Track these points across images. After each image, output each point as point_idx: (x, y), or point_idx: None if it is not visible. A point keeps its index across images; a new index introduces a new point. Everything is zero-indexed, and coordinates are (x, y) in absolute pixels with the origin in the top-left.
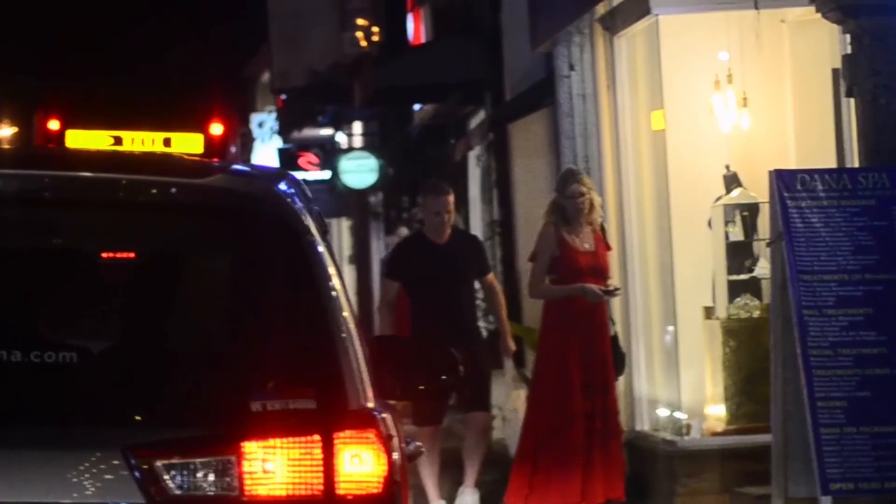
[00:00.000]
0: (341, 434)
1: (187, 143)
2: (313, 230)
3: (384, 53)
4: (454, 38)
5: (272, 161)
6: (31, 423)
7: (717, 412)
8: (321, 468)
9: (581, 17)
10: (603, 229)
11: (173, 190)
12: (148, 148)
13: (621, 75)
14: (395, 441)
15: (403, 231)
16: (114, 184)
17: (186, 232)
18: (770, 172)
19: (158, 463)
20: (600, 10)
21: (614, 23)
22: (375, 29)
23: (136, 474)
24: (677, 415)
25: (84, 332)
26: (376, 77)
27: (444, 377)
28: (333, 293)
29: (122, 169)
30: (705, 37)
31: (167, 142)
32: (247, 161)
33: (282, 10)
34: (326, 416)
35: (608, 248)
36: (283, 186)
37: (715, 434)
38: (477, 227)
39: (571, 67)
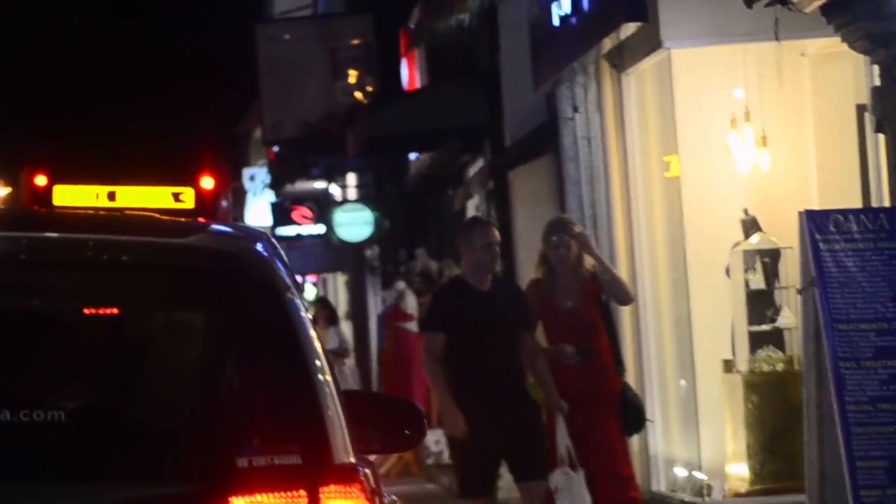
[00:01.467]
0: (326, 489)
1: (178, 198)
2: (292, 287)
3: (378, 101)
4: (451, 83)
5: (265, 215)
6: (21, 480)
7: (739, 471)
8: None
9: (586, 53)
10: (595, 277)
11: (154, 250)
12: (140, 202)
13: (630, 115)
14: (378, 496)
15: (401, 285)
16: (93, 244)
17: (168, 291)
18: (800, 213)
19: None
20: (607, 45)
21: (622, 59)
22: (369, 81)
23: None
24: (697, 474)
25: (71, 390)
26: (370, 125)
27: (406, 431)
28: (314, 349)
29: (101, 229)
30: (721, 72)
31: (160, 197)
32: (239, 216)
33: (272, 59)
34: (311, 471)
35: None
36: (261, 245)
37: (738, 495)
38: None
39: (575, 109)
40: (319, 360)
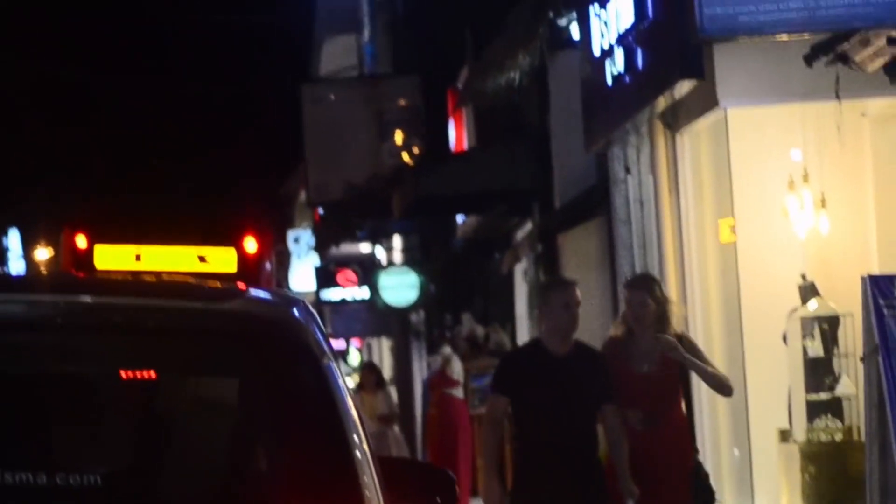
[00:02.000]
0: None
1: (220, 259)
2: (329, 353)
3: (425, 162)
4: (499, 144)
5: (309, 278)
6: None
7: None
8: None
9: (640, 112)
10: (681, 342)
11: (191, 315)
12: (181, 263)
13: (685, 177)
14: None
15: (447, 350)
16: (130, 309)
17: (205, 356)
18: (863, 278)
19: None
20: (661, 104)
21: (677, 118)
22: (416, 142)
23: None
24: None
25: (107, 455)
26: (416, 186)
27: (438, 500)
28: (351, 416)
29: (141, 294)
30: (779, 132)
31: (202, 258)
32: (283, 279)
33: (318, 120)
34: None
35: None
36: (298, 311)
37: None
38: None
39: (627, 170)
40: (357, 427)
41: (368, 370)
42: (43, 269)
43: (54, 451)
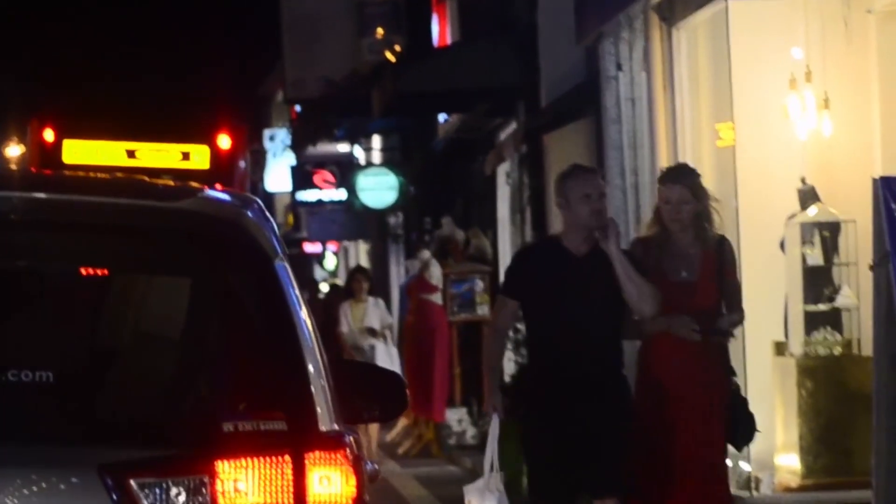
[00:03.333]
0: (311, 455)
1: (192, 156)
2: (281, 254)
3: (406, 58)
4: (483, 39)
5: (285, 179)
6: (7, 441)
7: (790, 464)
8: (291, 488)
9: (634, 2)
10: (722, 248)
11: (144, 213)
12: (149, 159)
13: (681, 74)
14: (362, 464)
15: (425, 255)
16: (83, 206)
17: (158, 255)
18: (874, 180)
19: (133, 482)
20: None
21: (673, 11)
22: (397, 39)
23: (112, 494)
24: (744, 466)
25: (59, 352)
26: (396, 83)
27: (389, 402)
28: (302, 315)
29: (92, 191)
30: (781, 27)
31: (174, 155)
32: (258, 179)
33: (295, 14)
34: (296, 438)
35: (728, 275)
36: (251, 211)
37: (788, 490)
38: (506, 251)
39: (619, 67)
40: (307, 327)
41: (359, 276)
42: (12, 166)
43: (6, 348)
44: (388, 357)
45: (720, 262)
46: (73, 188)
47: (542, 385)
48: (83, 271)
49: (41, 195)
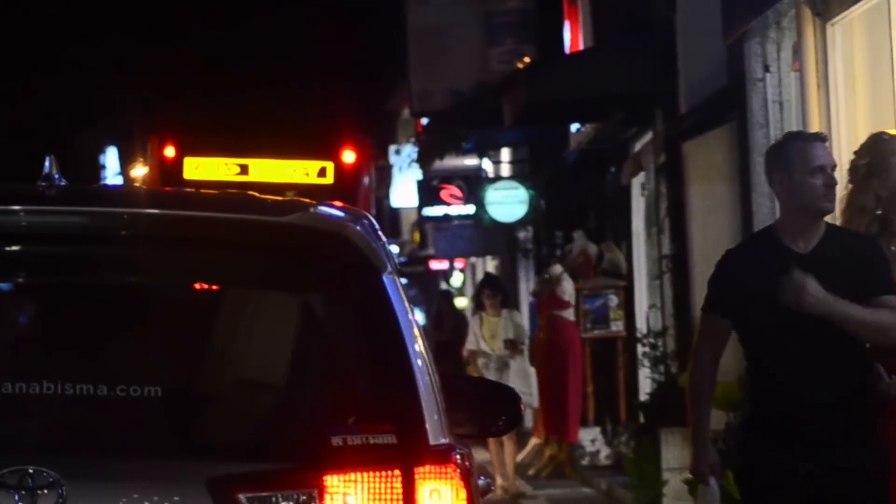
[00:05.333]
0: (421, 469)
1: (316, 172)
2: (391, 267)
3: (538, 66)
4: (618, 43)
5: (411, 195)
6: (117, 456)
7: None
8: (401, 502)
9: None
10: None
11: (251, 227)
12: (273, 175)
13: (835, 74)
14: (473, 478)
15: (557, 269)
16: (191, 222)
17: (266, 270)
18: None
19: (242, 496)
20: None
21: (828, 5)
22: (527, 49)
23: None
24: None
25: (167, 367)
26: (528, 91)
27: (502, 417)
28: (412, 329)
29: (201, 207)
30: None
31: (296, 171)
32: (384, 195)
33: (421, 25)
34: (406, 451)
35: None
36: (360, 225)
37: None
38: (641, 266)
39: (766, 68)
40: (417, 340)
41: (491, 286)
42: (139, 185)
43: (115, 363)
44: (522, 375)
45: None
46: (181, 204)
47: (763, 425)
48: (191, 287)
49: (150, 211)
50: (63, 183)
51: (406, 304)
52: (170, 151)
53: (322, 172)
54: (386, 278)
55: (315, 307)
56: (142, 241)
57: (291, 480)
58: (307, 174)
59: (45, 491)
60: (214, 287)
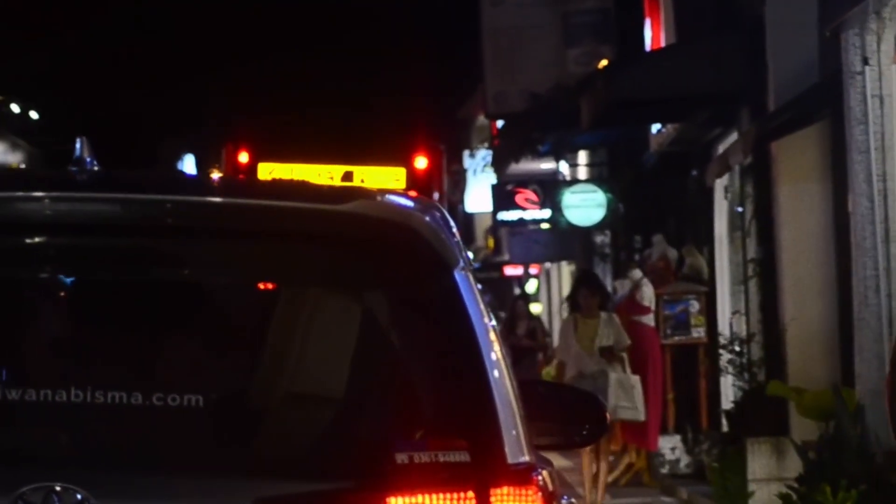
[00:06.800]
0: (498, 490)
1: (387, 178)
2: (464, 263)
3: (618, 65)
4: (704, 39)
5: (485, 199)
6: (152, 472)
7: None
8: None
9: None
10: None
11: (307, 217)
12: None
13: None
14: (556, 501)
15: (637, 274)
16: (240, 210)
17: (323, 265)
18: None
19: None
20: None
21: None
22: (606, 50)
23: None
24: None
25: (211, 373)
26: (609, 89)
27: (586, 426)
28: (487, 332)
29: (250, 195)
30: None
31: (382, 177)
32: (458, 200)
33: (496, 26)
34: (481, 471)
35: None
36: (429, 215)
37: None
38: (723, 271)
39: (865, 61)
40: (493, 345)
41: (589, 284)
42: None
43: (151, 369)
44: (622, 387)
45: None
46: (227, 191)
47: None
48: (238, 284)
49: (196, 198)
50: (96, 168)
51: (481, 304)
52: (244, 157)
53: (394, 178)
54: (458, 275)
55: (378, 307)
56: (181, 233)
57: (349, 502)
58: (380, 181)
59: None
60: (263, 284)
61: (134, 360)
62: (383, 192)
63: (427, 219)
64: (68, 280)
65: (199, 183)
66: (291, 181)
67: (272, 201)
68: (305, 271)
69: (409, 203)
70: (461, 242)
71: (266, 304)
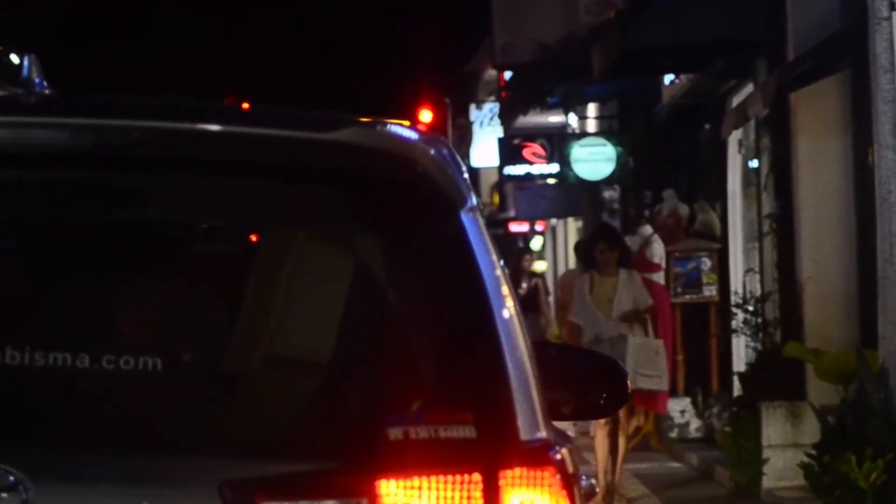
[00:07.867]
0: (509, 472)
1: None
2: (474, 204)
3: (631, 13)
4: None
5: (492, 153)
6: (100, 450)
7: None
8: None
9: None
10: None
11: (290, 147)
12: None
13: None
14: (576, 483)
15: (647, 230)
16: (211, 139)
17: (308, 205)
18: None
19: None
20: None
21: None
22: (618, 5)
23: None
24: None
25: (173, 332)
26: (620, 39)
27: (604, 395)
28: (499, 285)
29: (224, 122)
30: None
31: None
32: (464, 154)
33: None
34: (490, 449)
35: None
36: (433, 148)
37: None
38: (737, 227)
39: (892, 6)
40: (506, 300)
41: (607, 238)
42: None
43: (101, 326)
44: (644, 353)
45: None
46: (196, 116)
47: None
48: (206, 227)
49: (168, 125)
50: (47, 91)
51: (492, 251)
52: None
53: None
54: (466, 217)
55: (371, 255)
56: (143, 166)
57: (332, 485)
58: None
59: (5, 494)
60: (236, 228)
61: (81, 316)
62: (381, 120)
63: (432, 151)
64: (4, 220)
65: (164, 108)
66: (277, 109)
67: (249, 128)
68: (287, 212)
69: (412, 133)
70: (468, 181)
71: (240, 251)
